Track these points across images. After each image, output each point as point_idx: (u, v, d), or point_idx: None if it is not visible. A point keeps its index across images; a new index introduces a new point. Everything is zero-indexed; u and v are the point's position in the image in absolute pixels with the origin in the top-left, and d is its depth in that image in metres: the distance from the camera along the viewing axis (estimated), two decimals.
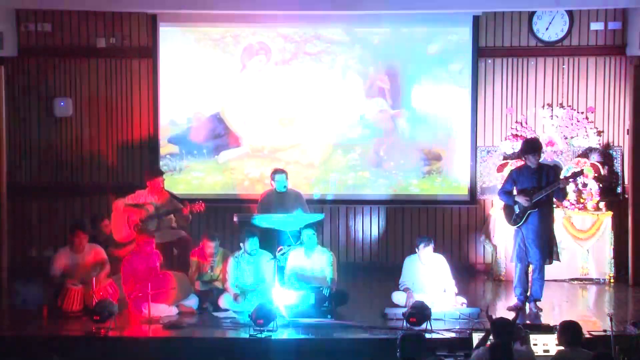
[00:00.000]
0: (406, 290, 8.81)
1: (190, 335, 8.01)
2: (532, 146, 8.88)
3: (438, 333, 7.92)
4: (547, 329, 7.35)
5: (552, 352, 6.90)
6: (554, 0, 10.28)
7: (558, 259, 8.95)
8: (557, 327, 6.74)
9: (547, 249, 8.81)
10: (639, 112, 10.08)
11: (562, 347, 6.57)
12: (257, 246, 8.82)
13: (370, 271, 10.70)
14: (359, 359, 7.72)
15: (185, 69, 10.80)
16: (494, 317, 7.26)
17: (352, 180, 10.87)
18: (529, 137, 10.24)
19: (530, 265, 8.88)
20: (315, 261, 8.97)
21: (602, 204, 10.30)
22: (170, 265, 9.07)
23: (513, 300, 9.01)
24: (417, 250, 8.94)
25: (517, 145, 10.33)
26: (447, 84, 10.75)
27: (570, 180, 8.78)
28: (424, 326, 7.93)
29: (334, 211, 10.90)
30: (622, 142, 10.68)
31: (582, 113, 10.74)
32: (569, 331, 6.55)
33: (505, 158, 10.62)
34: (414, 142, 10.80)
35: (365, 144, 10.84)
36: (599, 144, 10.64)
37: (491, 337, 6.70)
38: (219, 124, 10.88)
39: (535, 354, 7.02)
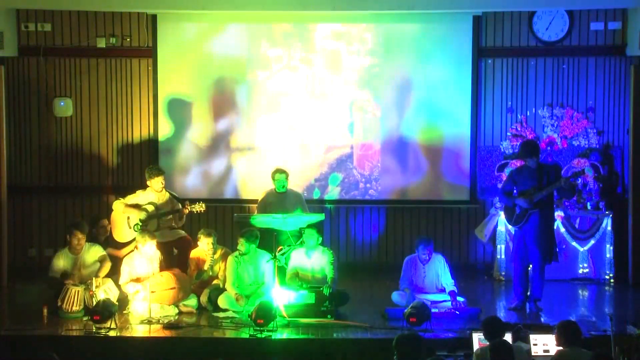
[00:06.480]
0: (406, 290, 8.81)
1: (190, 335, 8.02)
2: (530, 149, 8.86)
3: (438, 333, 7.92)
4: (547, 329, 7.35)
5: (552, 352, 6.90)
6: (554, 0, 10.28)
7: (557, 260, 8.95)
8: (556, 327, 6.74)
9: (547, 249, 8.80)
10: (639, 112, 10.08)
11: (561, 347, 6.57)
12: (250, 248, 8.81)
13: (370, 271, 10.70)
14: (359, 359, 7.72)
15: (185, 69, 10.81)
16: (493, 316, 7.27)
17: (352, 181, 10.86)
18: (526, 139, 10.23)
19: (530, 265, 8.88)
20: (316, 261, 8.98)
21: (602, 204, 10.30)
22: (170, 265, 9.07)
23: (513, 301, 9.01)
24: (416, 251, 8.94)
25: (517, 146, 10.33)
26: (447, 84, 10.74)
27: (571, 179, 8.77)
28: (424, 326, 7.93)
29: (334, 211, 10.90)
30: (622, 142, 10.69)
31: (582, 113, 10.74)
32: (567, 331, 6.56)
33: (505, 158, 10.62)
34: (414, 141, 10.79)
35: (364, 144, 10.84)
36: (599, 144, 10.65)
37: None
38: None
39: (535, 354, 7.03)
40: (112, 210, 9.44)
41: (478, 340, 7.19)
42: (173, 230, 9.46)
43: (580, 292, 9.93)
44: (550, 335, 6.99)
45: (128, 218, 9.33)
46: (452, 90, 10.74)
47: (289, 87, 10.80)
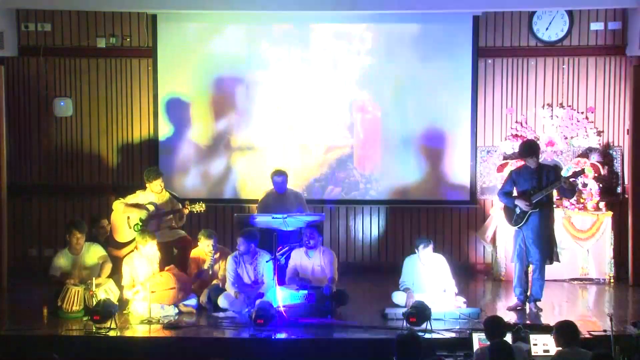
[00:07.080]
0: (406, 290, 8.81)
1: (190, 335, 8.02)
2: (530, 149, 8.86)
3: (438, 333, 7.92)
4: (547, 329, 7.35)
5: (552, 352, 6.90)
6: (554, 0, 10.28)
7: (558, 260, 8.95)
8: (554, 328, 6.75)
9: (548, 249, 8.81)
10: (639, 112, 10.08)
11: (561, 348, 6.58)
12: (250, 249, 8.80)
13: (370, 271, 10.70)
14: (359, 359, 7.72)
15: (185, 69, 10.80)
16: (494, 316, 7.28)
17: (352, 181, 10.86)
18: (526, 139, 10.23)
19: (531, 266, 8.88)
20: (316, 261, 8.98)
21: (602, 204, 10.30)
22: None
23: (513, 300, 9.01)
24: (416, 251, 8.94)
25: (517, 145, 10.32)
26: (447, 84, 10.74)
27: (572, 179, 8.77)
28: (424, 326, 7.93)
29: (334, 211, 10.90)
30: (622, 142, 10.68)
31: (582, 113, 10.74)
32: (565, 331, 6.57)
33: (505, 158, 10.62)
34: (414, 141, 10.79)
35: (364, 144, 10.83)
36: (599, 144, 10.64)
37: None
38: None
39: (535, 354, 7.03)
40: (112, 210, 9.45)
41: (478, 340, 7.20)
42: (173, 230, 9.47)
43: (580, 292, 9.93)
44: (550, 335, 6.99)
45: (128, 218, 9.34)
46: (452, 90, 10.73)
47: (289, 87, 10.79)
